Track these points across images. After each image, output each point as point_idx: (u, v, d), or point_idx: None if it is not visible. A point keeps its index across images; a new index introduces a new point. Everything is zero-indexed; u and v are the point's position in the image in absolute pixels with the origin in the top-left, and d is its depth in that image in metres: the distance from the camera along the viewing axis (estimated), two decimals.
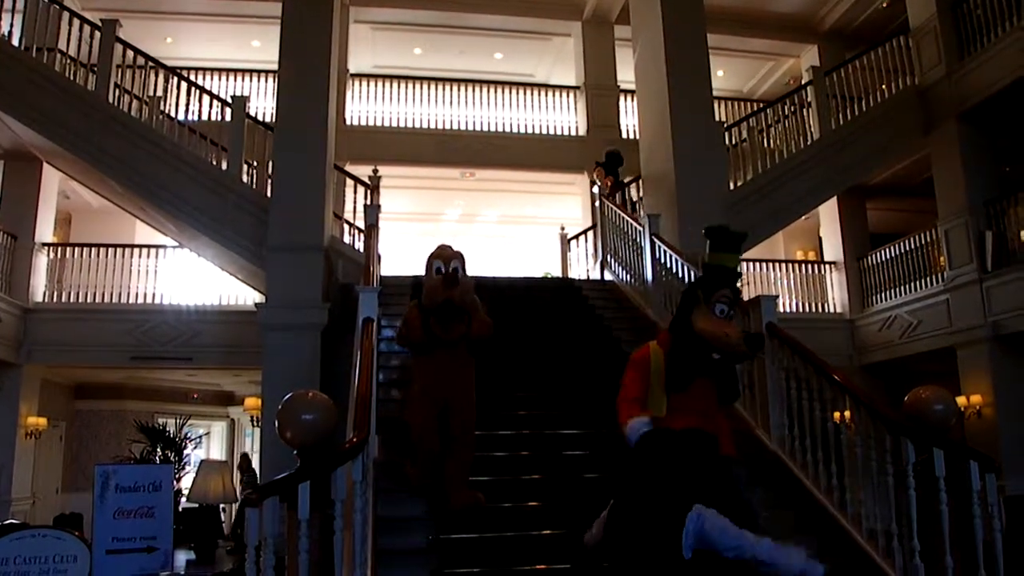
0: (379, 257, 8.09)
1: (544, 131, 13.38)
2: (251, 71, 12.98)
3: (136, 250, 11.56)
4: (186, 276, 11.51)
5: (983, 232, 10.05)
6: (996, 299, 9.84)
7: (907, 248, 11.55)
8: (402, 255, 9.67)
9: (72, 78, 9.12)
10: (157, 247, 11.52)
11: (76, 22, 9.38)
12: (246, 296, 10.93)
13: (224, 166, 8.96)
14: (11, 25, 9.08)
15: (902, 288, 11.53)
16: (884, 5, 13.21)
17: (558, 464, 5.40)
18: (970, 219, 10.18)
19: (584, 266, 11.09)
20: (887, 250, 11.94)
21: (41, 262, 11.21)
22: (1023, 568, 4.40)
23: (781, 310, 9.84)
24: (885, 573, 4.38)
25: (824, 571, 3.24)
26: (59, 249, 11.59)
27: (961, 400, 9.91)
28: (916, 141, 10.95)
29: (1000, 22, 9.87)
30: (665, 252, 7.78)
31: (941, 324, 10.66)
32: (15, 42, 9.02)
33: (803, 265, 13.28)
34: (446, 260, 4.84)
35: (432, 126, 13.03)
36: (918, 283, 11.24)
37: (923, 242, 11.26)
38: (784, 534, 4.89)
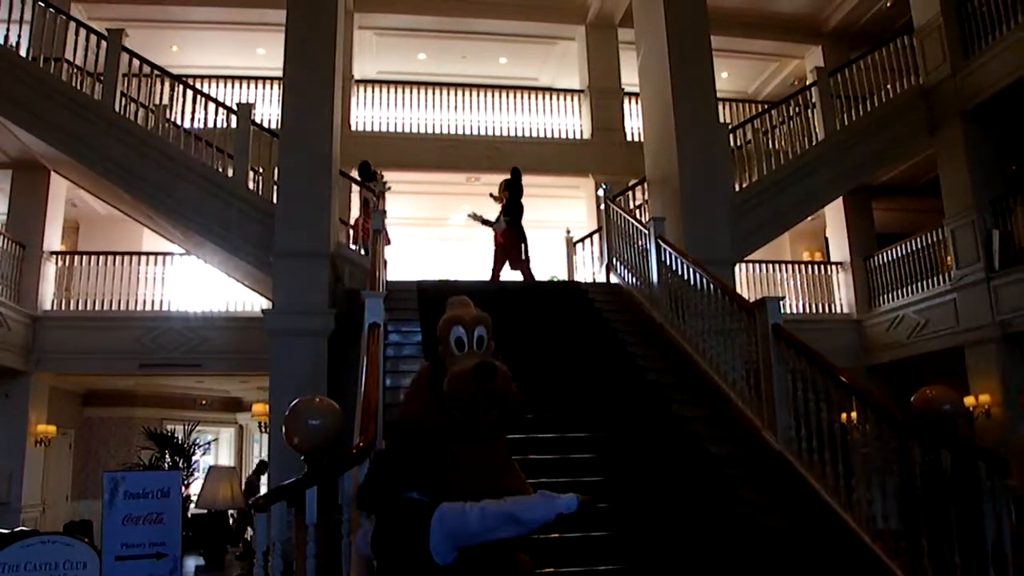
0: (385, 262, 8.12)
1: (549, 135, 13.40)
2: (256, 78, 13.03)
3: (143, 257, 11.62)
4: (193, 283, 11.57)
5: (990, 231, 10.02)
6: (1004, 298, 9.80)
7: (914, 248, 11.51)
8: (408, 260, 9.70)
9: (79, 87, 9.17)
10: (164, 254, 11.57)
11: (82, 32, 9.44)
12: (253, 302, 10.96)
13: (230, 173, 9.00)
14: (19, 36, 9.14)
15: (909, 288, 11.49)
16: (888, 5, 13.19)
17: (565, 468, 5.40)
18: (977, 218, 10.15)
19: (590, 269, 11.09)
20: (894, 250, 11.91)
21: (49, 270, 11.28)
22: None
23: (787, 311, 9.87)
24: (893, 573, 4.37)
25: (579, 500, 2.93)
26: (67, 257, 11.66)
27: (969, 400, 9.87)
28: (922, 141, 10.93)
29: (1004, 20, 9.85)
30: (671, 255, 7.78)
31: (948, 324, 10.63)
32: (23, 52, 9.09)
33: (809, 266, 13.25)
34: (469, 326, 3.52)
35: (437, 131, 13.06)
36: (925, 283, 11.20)
37: (930, 242, 11.23)
38: (789, 532, 4.93)
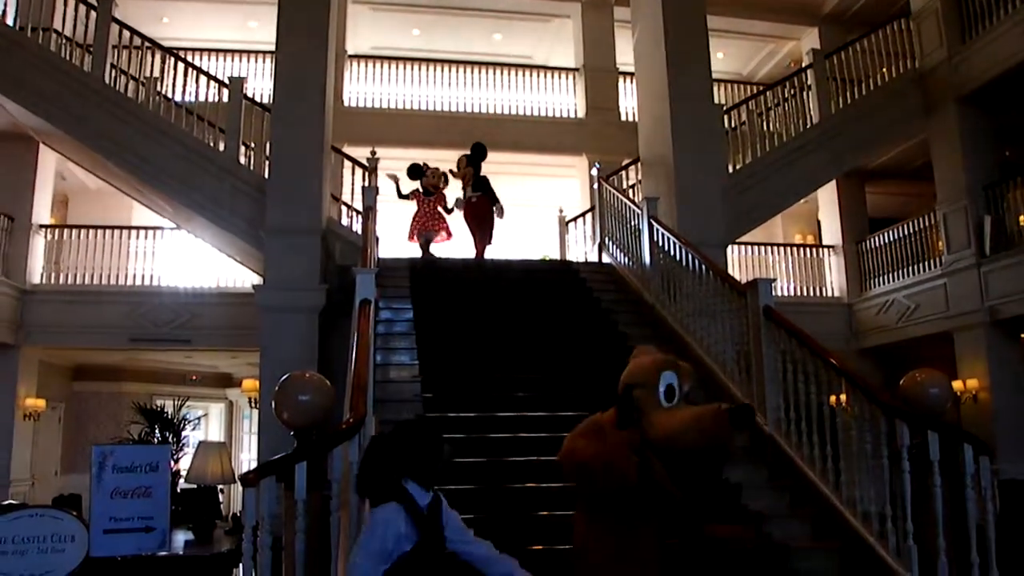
0: (377, 239, 8.10)
1: (543, 113, 13.33)
2: (249, 52, 12.89)
3: (134, 231, 11.54)
4: (184, 258, 11.50)
5: (982, 216, 10.05)
6: (994, 284, 9.85)
7: (906, 232, 11.54)
8: (400, 237, 9.65)
9: (68, 58, 9.05)
10: (155, 228, 11.49)
11: (71, 2, 9.30)
12: (244, 278, 10.92)
13: (221, 147, 8.93)
14: (5, 5, 9.01)
15: (900, 272, 11.53)
16: None
17: (555, 446, 5.41)
18: (969, 203, 10.17)
19: (582, 248, 11.08)
20: (886, 234, 11.94)
21: (38, 244, 11.19)
22: (1015, 550, 4.43)
23: (779, 294, 9.86)
24: (878, 554, 4.42)
25: None
26: (56, 231, 11.56)
27: (957, 384, 9.94)
28: (916, 124, 10.93)
29: (1002, 5, 9.82)
30: (663, 235, 7.77)
31: (939, 308, 10.68)
32: (10, 22, 8.96)
33: (801, 249, 13.26)
34: (683, 376, 3.13)
35: (430, 108, 12.98)
36: (916, 267, 11.24)
37: (922, 226, 11.26)
38: (781, 513, 4.97)
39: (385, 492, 2.84)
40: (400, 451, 2.89)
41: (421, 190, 9.43)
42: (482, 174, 9.50)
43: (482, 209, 9.33)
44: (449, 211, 9.47)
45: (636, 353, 3.29)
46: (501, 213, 9.38)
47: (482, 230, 9.32)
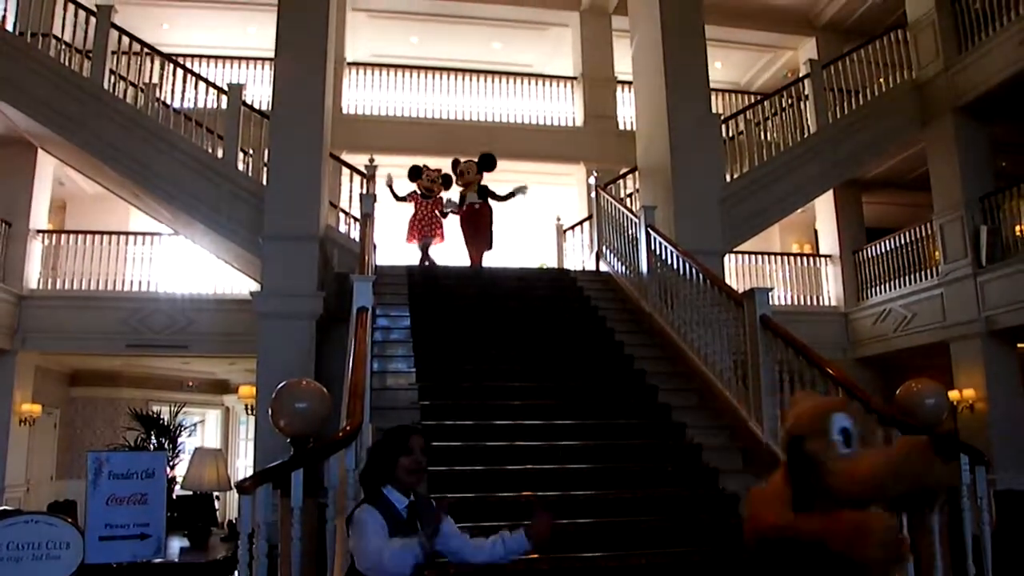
0: (375, 246, 8.10)
1: (541, 121, 13.35)
2: (248, 58, 12.92)
3: (131, 237, 11.54)
4: (181, 264, 11.49)
5: (978, 226, 10.07)
6: (990, 294, 9.87)
7: (902, 242, 11.56)
8: (398, 245, 9.66)
9: (67, 64, 9.07)
10: (152, 234, 11.48)
11: (71, 7, 9.32)
12: (241, 284, 10.90)
13: (220, 154, 8.94)
14: (4, 10, 9.02)
15: (897, 282, 11.56)
16: None
17: (552, 455, 5.42)
18: (965, 213, 10.19)
19: (580, 257, 11.09)
20: (882, 244, 11.96)
21: (36, 249, 11.18)
22: (1011, 561, 4.43)
23: (776, 303, 9.89)
24: None
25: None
26: (54, 236, 11.56)
27: (954, 394, 9.95)
28: (913, 135, 10.96)
29: (998, 16, 9.86)
30: (661, 244, 7.78)
31: (935, 318, 10.70)
32: (9, 27, 8.97)
33: (799, 258, 13.30)
34: (857, 417, 2.66)
35: (429, 115, 13.00)
36: (913, 277, 11.26)
37: (918, 236, 11.28)
38: None
39: (366, 497, 2.94)
40: (375, 458, 3.00)
41: (419, 192, 9.44)
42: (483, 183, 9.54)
43: (484, 217, 9.35)
44: (444, 215, 9.48)
45: (795, 400, 2.91)
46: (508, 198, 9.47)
47: (481, 237, 9.32)
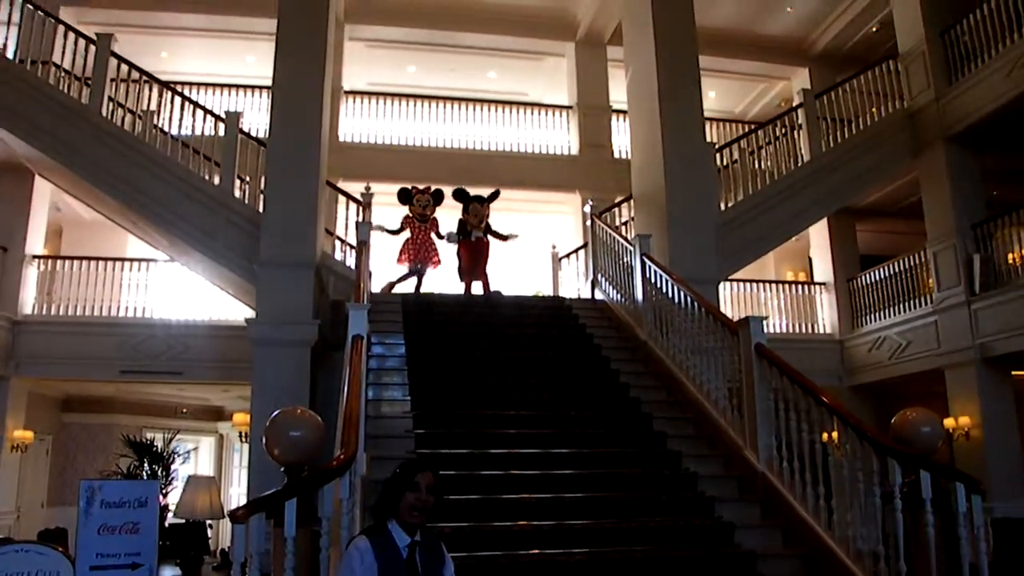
0: (370, 274, 8.11)
1: (536, 150, 13.44)
2: (245, 87, 13.00)
3: (127, 263, 11.54)
4: (177, 290, 11.48)
5: (971, 254, 10.14)
6: (984, 321, 9.91)
7: (896, 270, 11.63)
8: (393, 273, 9.67)
9: (66, 91, 9.13)
10: (148, 261, 11.49)
11: (71, 36, 9.41)
12: (237, 311, 10.88)
13: (217, 181, 8.98)
14: (6, 38, 9.11)
15: (891, 309, 11.60)
16: (874, 30, 13.36)
17: (547, 484, 5.39)
18: (958, 241, 10.26)
19: (575, 285, 11.11)
20: (877, 271, 12.02)
21: (31, 274, 11.17)
22: None
23: (771, 331, 9.87)
24: None
25: None
26: (49, 261, 11.54)
27: (949, 422, 9.95)
28: (905, 163, 11.06)
29: (986, 48, 10.00)
30: (656, 272, 7.80)
31: (930, 345, 10.72)
32: (10, 55, 9.05)
33: (793, 286, 13.34)
34: None
35: (425, 144, 13.08)
36: (907, 304, 11.31)
37: (912, 264, 11.35)
38: (774, 552, 4.94)
39: (369, 527, 2.94)
40: (384, 491, 3.00)
41: (415, 217, 9.47)
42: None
43: (486, 249, 9.51)
44: (441, 237, 9.54)
45: None
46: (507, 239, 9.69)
47: (480, 270, 9.42)
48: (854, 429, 4.75)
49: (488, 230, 9.56)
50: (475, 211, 9.50)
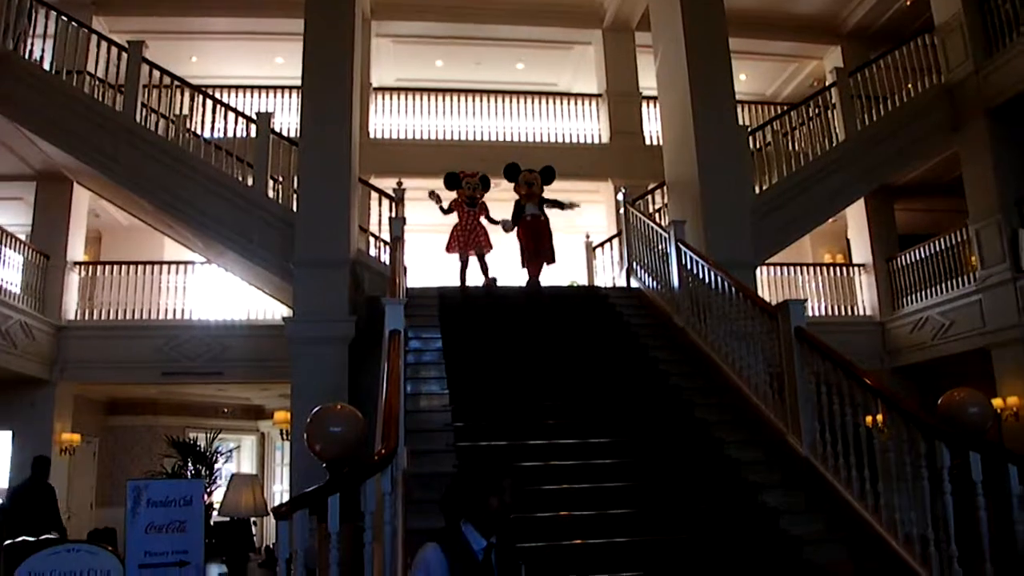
0: (405, 269, 8.13)
1: (567, 140, 13.37)
2: (275, 87, 13.10)
3: (165, 267, 11.71)
4: (214, 291, 11.64)
5: (1015, 231, 9.88)
6: None
7: (937, 248, 11.38)
8: (427, 267, 9.68)
9: (100, 99, 9.27)
10: (186, 263, 11.66)
11: (104, 45, 9.55)
12: (274, 310, 11.01)
13: (250, 182, 9.06)
14: (42, 50, 9.28)
15: (933, 289, 11.37)
16: (907, 3, 13.06)
17: (587, 473, 5.37)
18: (1002, 217, 10.01)
19: (610, 274, 11.06)
20: (917, 251, 11.78)
21: (73, 280, 11.40)
22: None
23: (810, 314, 9.73)
24: None
25: None
26: (90, 267, 11.78)
27: (997, 402, 9.73)
28: (944, 139, 10.81)
29: None
30: (691, 258, 7.73)
31: (974, 325, 10.49)
32: (46, 66, 9.21)
33: (831, 268, 13.14)
34: None
35: (455, 137, 13.08)
36: (949, 284, 11.07)
37: (954, 242, 11.10)
38: (820, 538, 4.88)
39: (442, 533, 2.86)
40: (463, 490, 2.91)
41: (463, 201, 9.09)
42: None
43: (547, 228, 9.08)
44: (493, 221, 9.19)
45: None
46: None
47: (544, 249, 8.98)
48: (900, 411, 4.66)
49: (543, 202, 9.12)
50: (526, 178, 9.06)
